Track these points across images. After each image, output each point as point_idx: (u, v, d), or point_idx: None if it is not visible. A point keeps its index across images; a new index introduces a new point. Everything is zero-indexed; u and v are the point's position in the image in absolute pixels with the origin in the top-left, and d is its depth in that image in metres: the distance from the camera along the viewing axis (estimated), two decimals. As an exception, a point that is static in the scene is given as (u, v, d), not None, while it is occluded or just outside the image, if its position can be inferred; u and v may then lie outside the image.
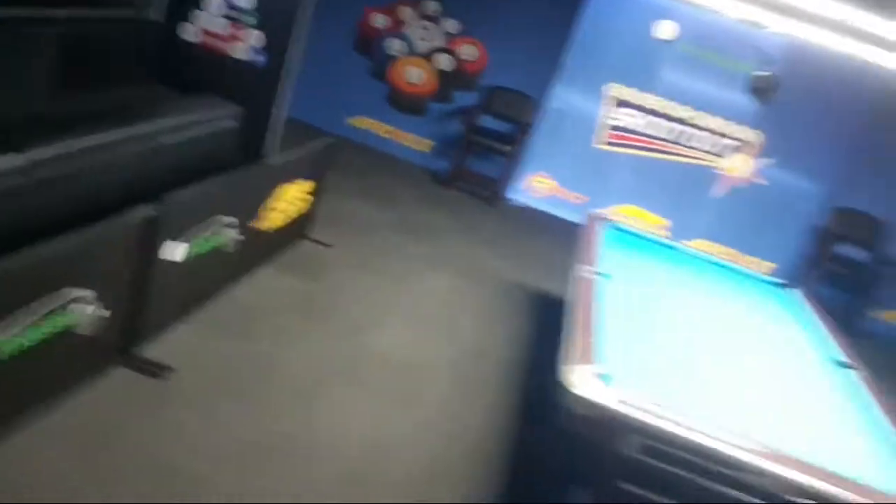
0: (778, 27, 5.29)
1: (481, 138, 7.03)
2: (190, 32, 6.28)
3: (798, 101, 6.62)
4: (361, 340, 3.95)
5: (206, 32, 6.37)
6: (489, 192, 7.15)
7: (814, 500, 2.31)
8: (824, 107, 6.58)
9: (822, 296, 5.01)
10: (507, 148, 7.02)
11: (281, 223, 4.36)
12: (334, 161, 4.90)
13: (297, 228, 4.76)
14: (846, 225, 6.78)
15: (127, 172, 3.51)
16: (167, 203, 3.03)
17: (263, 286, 4.15)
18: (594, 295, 3.34)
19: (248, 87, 5.56)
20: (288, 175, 4.36)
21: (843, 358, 3.53)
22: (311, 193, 4.74)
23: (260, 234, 4.10)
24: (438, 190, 7.03)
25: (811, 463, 2.39)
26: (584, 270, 3.63)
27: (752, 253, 7.03)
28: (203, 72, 5.53)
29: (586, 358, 2.69)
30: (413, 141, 7.49)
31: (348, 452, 3.06)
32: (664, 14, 6.64)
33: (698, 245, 6.87)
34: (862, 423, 2.97)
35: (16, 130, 2.98)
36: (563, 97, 7.01)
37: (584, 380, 2.52)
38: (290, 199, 4.42)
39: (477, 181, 7.21)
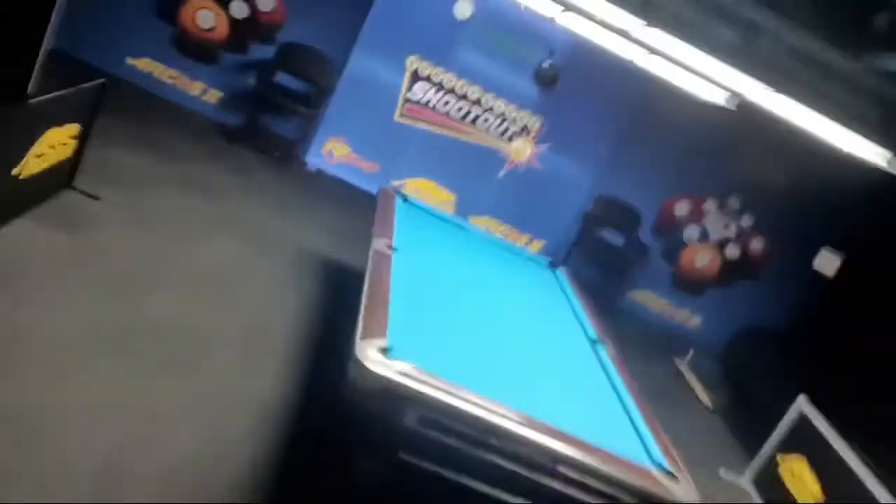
0: (564, 22, 5.67)
1: (276, 95, 6.76)
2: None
3: (575, 93, 7.19)
4: (130, 305, 3.64)
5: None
6: (282, 153, 6.92)
7: (564, 463, 2.58)
8: (596, 101, 7.23)
9: (583, 276, 5.56)
10: (304, 109, 6.83)
11: (38, 169, 3.84)
12: (106, 104, 4.39)
13: (60, 177, 4.23)
14: (607, 211, 7.57)
15: None
16: None
17: (18, 240, 3.65)
18: (386, 269, 3.39)
19: (7, 11, 4.80)
20: (52, 117, 3.85)
21: (595, 335, 3.96)
22: (75, 138, 4.22)
23: (14, 181, 3.58)
24: (226, 146, 6.63)
25: (560, 429, 2.66)
26: (378, 244, 3.67)
27: (526, 231, 7.58)
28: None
29: (375, 332, 2.73)
30: (201, 90, 6.99)
31: (109, 428, 2.82)
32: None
33: (481, 221, 7.30)
34: (604, 392, 3.38)
35: None
36: (364, 63, 6.94)
37: (369, 353, 2.56)
38: (51, 143, 3.90)
39: (269, 140, 6.93)
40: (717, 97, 5.04)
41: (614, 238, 7.63)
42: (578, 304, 4.37)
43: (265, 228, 5.37)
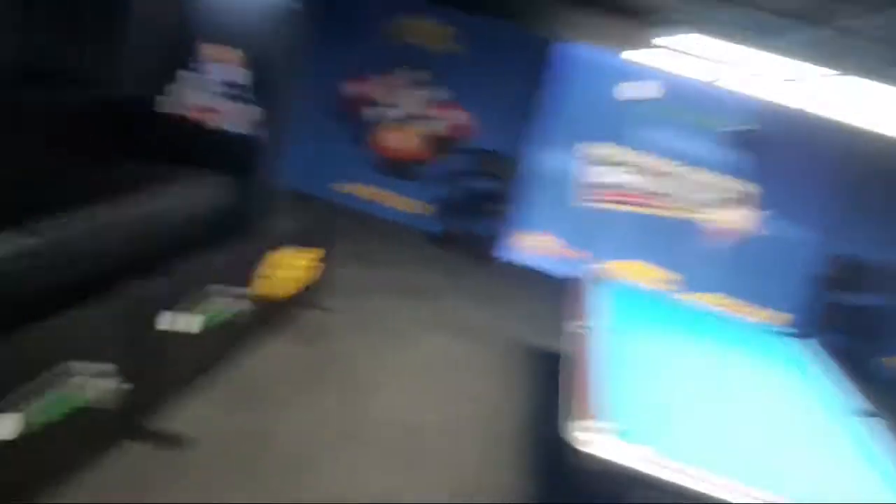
0: (750, 89, 5.49)
1: (472, 198, 7.13)
2: (170, 105, 6.33)
3: (779, 154, 6.76)
4: (365, 404, 3.89)
5: (194, 106, 6.47)
6: (482, 251, 7.19)
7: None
8: (811, 160, 6.72)
9: (829, 343, 5.01)
10: (499, 207, 7.11)
11: (281, 291, 4.34)
12: (331, 227, 4.92)
13: (299, 295, 4.73)
14: (844, 271, 6.84)
15: (127, 247, 3.51)
16: (168, 275, 3.02)
17: (267, 354, 4.11)
18: (595, 350, 3.33)
19: (241, 158, 5.62)
20: (285, 242, 4.37)
21: (863, 406, 3.50)
22: (314, 260, 4.74)
23: (260, 301, 4.07)
24: (432, 251, 7.06)
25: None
26: (581, 326, 3.63)
27: (756, 302, 7.03)
28: (191, 145, 5.56)
29: (592, 413, 2.66)
30: (404, 203, 7.57)
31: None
32: (639, 76, 6.86)
33: (706, 298, 6.87)
34: (872, 475, 2.93)
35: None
36: (549, 155, 7.14)
37: (590, 435, 2.48)
38: (290, 266, 4.42)
39: (470, 240, 7.26)
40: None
41: (860, 299, 6.82)
42: (829, 375, 3.91)
43: (476, 323, 5.54)
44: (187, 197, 4.51)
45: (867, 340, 6.69)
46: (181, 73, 6.37)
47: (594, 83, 6.96)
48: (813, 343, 4.41)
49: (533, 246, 7.33)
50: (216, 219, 4.57)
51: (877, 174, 6.59)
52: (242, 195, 5.08)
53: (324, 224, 4.86)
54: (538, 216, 7.25)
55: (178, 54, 6.14)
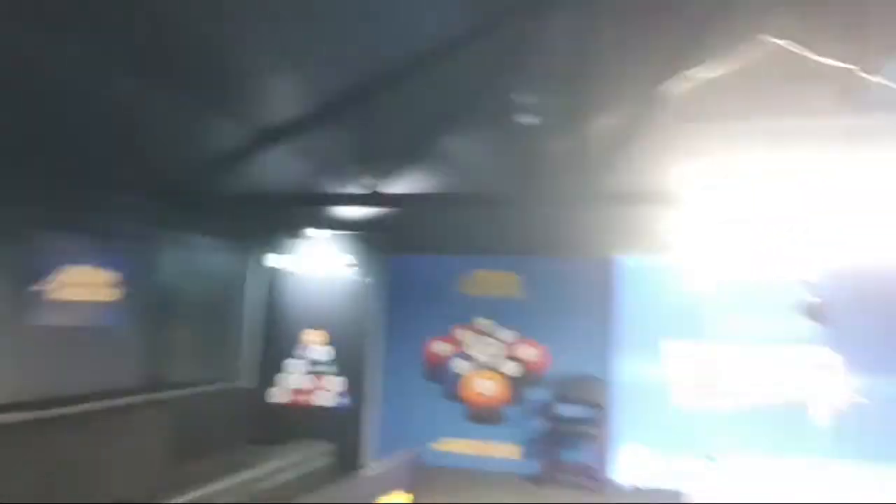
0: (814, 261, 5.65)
1: (564, 427, 7.07)
2: (278, 395, 6.99)
3: (856, 313, 6.65)
4: None
5: (294, 391, 7.08)
6: (590, 479, 6.91)
7: None
8: (879, 310, 6.60)
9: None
10: (592, 430, 7.00)
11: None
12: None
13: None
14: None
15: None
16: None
17: None
18: None
19: (337, 427, 5.99)
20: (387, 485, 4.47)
21: None
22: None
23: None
24: (536, 490, 6.83)
25: None
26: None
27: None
28: (295, 424, 6.02)
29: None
30: (498, 449, 7.52)
31: None
32: (699, 272, 7.10)
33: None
34: None
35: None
36: (629, 366, 7.17)
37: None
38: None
39: (574, 470, 7.03)
40: None
41: None
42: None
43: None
44: (291, 466, 4.79)
45: None
46: (287, 363, 7.14)
47: (664, 288, 7.20)
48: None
49: (636, 462, 7.01)
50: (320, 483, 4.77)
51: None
52: (342, 459, 5.31)
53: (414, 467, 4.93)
54: (632, 430, 7.05)
55: (285, 345, 6.96)
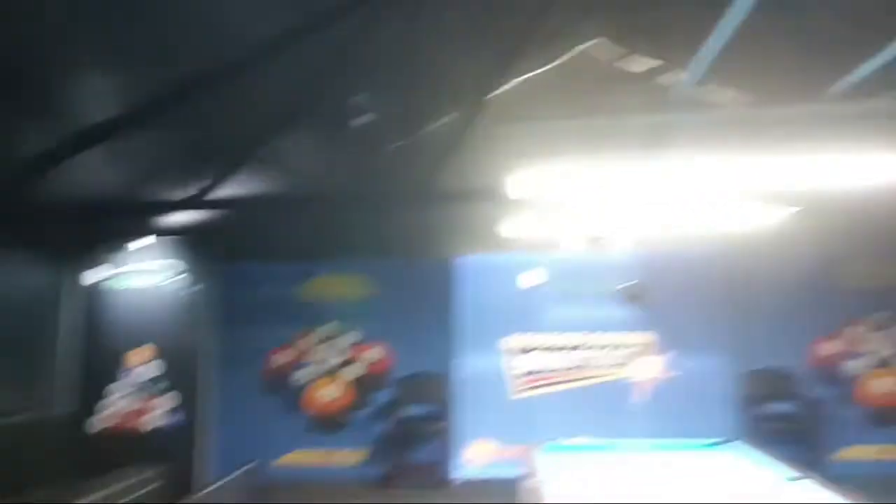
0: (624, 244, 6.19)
1: (408, 427, 7.16)
2: (102, 421, 6.43)
3: (675, 293, 7.36)
4: None
5: (119, 415, 6.55)
6: (433, 477, 7.04)
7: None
8: (697, 290, 7.36)
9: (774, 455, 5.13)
10: (436, 428, 7.15)
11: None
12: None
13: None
14: (764, 385, 7.14)
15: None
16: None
17: None
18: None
19: (169, 449, 5.64)
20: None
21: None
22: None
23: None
24: (381, 496, 6.84)
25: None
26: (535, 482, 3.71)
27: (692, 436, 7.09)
28: (122, 450, 5.59)
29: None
30: (344, 457, 7.44)
31: None
32: (528, 265, 7.52)
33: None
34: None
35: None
36: (470, 363, 7.42)
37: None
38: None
39: (419, 470, 7.12)
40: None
41: (784, 407, 7.06)
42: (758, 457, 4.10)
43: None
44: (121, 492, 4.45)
45: (805, 444, 6.83)
46: (110, 386, 6.55)
47: (498, 283, 7.54)
48: (740, 443, 4.61)
49: (478, 456, 7.26)
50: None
51: (759, 276, 7.22)
52: (174, 480, 5.02)
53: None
54: (473, 426, 7.29)
55: (107, 366, 6.40)
